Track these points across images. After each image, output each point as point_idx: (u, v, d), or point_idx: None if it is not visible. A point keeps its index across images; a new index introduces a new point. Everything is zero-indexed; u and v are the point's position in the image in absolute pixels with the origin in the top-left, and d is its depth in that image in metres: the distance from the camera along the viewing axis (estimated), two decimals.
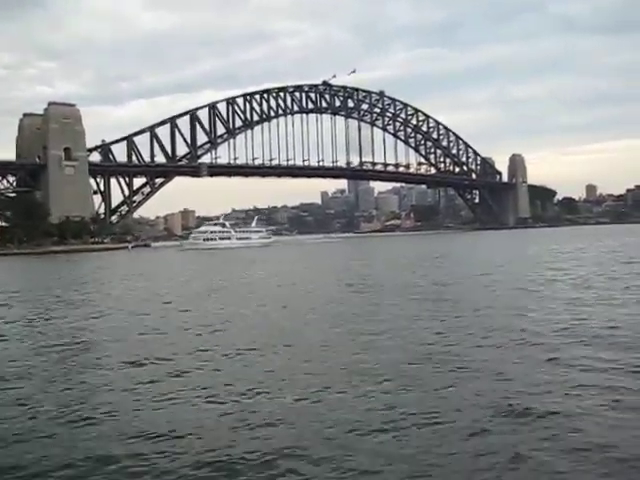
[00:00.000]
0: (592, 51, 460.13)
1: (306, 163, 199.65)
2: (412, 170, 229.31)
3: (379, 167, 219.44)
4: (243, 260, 72.22)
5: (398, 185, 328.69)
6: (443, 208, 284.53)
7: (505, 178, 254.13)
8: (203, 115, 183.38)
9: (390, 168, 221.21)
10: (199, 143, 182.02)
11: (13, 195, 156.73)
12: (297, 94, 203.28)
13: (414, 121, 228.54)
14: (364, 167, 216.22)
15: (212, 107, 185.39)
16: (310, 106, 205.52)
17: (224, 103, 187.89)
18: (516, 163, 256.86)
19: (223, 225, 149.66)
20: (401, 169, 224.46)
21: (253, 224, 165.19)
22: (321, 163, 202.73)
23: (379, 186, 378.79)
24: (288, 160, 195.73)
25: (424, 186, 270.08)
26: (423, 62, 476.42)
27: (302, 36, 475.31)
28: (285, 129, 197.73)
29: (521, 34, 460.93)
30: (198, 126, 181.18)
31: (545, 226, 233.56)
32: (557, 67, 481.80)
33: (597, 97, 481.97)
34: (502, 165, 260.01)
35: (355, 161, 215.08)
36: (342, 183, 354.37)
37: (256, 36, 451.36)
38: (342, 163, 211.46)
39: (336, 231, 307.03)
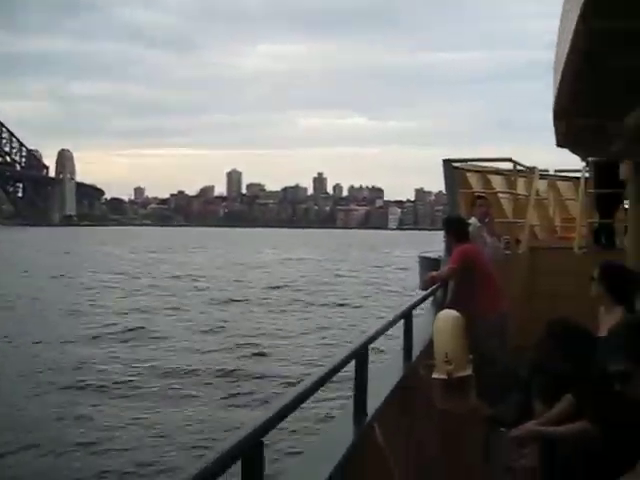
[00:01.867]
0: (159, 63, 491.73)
1: None
2: None
3: None
4: None
5: None
6: None
7: (53, 173, 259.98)
8: None
9: None
10: None
11: None
12: None
13: None
14: None
15: None
16: None
17: None
18: (65, 158, 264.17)
19: None
20: None
21: None
22: None
23: None
24: None
25: None
26: None
27: None
28: None
29: (83, 32, 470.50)
30: None
31: (91, 225, 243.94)
32: (123, 72, 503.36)
33: (152, 106, 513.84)
34: (51, 160, 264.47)
35: None
36: None
37: None
38: None
39: None
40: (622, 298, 4.49)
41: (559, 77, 4.48)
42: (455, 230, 6.79)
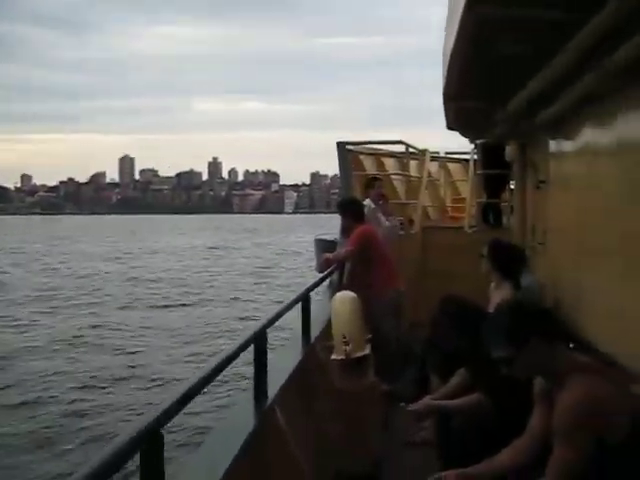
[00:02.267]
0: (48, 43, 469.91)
1: None
2: None
3: None
4: None
5: None
6: None
7: None
8: None
9: None
10: None
11: None
12: None
13: None
14: None
15: None
16: None
17: None
18: None
19: None
20: None
21: None
22: None
23: None
24: None
25: None
26: None
27: None
28: None
29: None
30: None
31: None
32: (6, 52, 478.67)
33: (38, 89, 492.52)
34: None
35: None
36: None
37: None
38: None
39: None
40: (509, 274, 4.69)
41: (448, 62, 4.58)
42: (352, 212, 6.81)
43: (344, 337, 4.56)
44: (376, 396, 4.92)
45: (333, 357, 4.63)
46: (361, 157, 11.16)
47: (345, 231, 7.06)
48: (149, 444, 1.94)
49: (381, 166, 11.83)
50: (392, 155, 12.29)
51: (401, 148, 11.54)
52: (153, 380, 14.41)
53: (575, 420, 2.45)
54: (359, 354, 4.61)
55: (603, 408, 2.46)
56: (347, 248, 6.64)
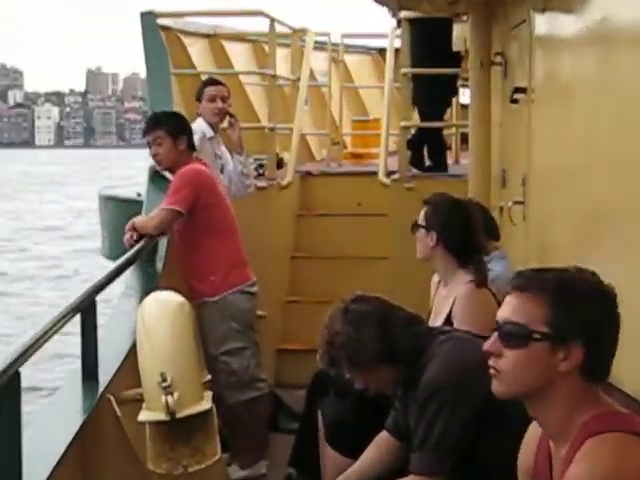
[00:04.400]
0: None
1: None
2: None
3: None
4: None
5: None
6: None
7: None
8: None
9: None
10: None
11: None
12: None
13: None
14: None
15: None
16: None
17: None
18: None
19: None
20: None
21: None
22: None
23: None
24: None
25: None
26: None
27: None
28: None
29: None
30: None
31: None
32: None
33: None
34: None
35: None
36: None
37: None
38: None
39: None
40: (466, 258, 3.01)
41: None
42: (172, 135, 3.98)
43: (163, 379, 2.76)
44: None
45: (142, 418, 2.87)
46: (186, 41, 6.66)
47: (161, 180, 4.46)
48: None
49: (224, 59, 7.22)
50: (244, 39, 7.78)
51: (262, 25, 6.45)
52: None
53: None
54: (192, 410, 2.85)
55: None
56: (165, 205, 3.91)
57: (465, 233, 3.00)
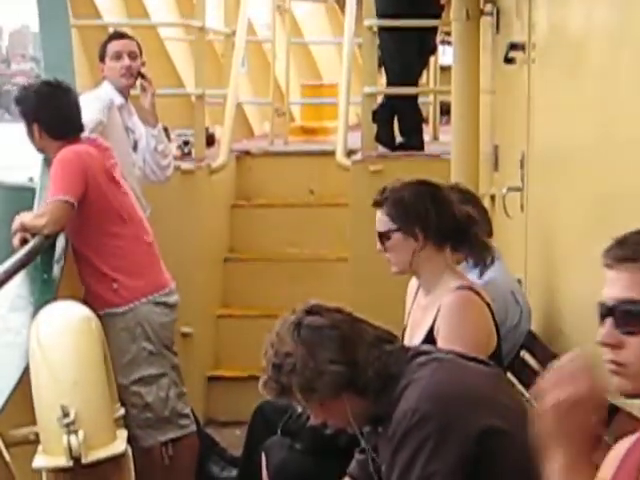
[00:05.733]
0: None
1: None
2: None
3: None
4: None
5: None
6: None
7: None
8: None
9: None
10: None
11: None
12: None
13: None
14: None
15: None
16: None
17: None
18: None
19: None
20: None
21: None
22: None
23: None
24: None
25: None
26: None
27: None
28: None
29: None
30: None
31: None
32: None
33: None
34: None
35: None
36: None
37: None
38: None
39: None
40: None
41: None
42: (27, 124, 3.43)
43: (64, 413, 2.40)
44: None
45: (39, 464, 2.47)
46: None
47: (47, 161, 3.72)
48: None
49: (138, 7, 6.21)
50: None
51: None
52: None
53: None
54: (101, 454, 2.44)
55: None
56: (50, 198, 3.33)
57: (445, 228, 2.50)
